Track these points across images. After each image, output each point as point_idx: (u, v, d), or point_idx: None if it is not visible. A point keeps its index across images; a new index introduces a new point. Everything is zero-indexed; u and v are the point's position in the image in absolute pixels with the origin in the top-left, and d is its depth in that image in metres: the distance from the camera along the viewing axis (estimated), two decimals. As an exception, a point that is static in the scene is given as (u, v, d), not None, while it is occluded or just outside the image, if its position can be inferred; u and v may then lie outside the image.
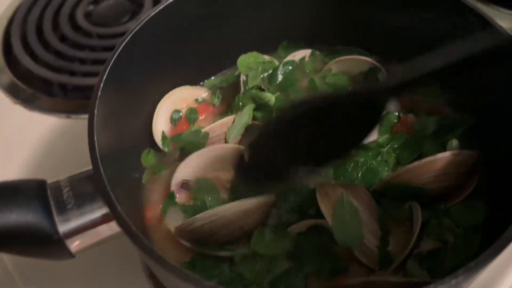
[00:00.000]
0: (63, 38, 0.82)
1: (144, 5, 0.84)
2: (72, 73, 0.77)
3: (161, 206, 0.56)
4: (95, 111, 0.47)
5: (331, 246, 0.49)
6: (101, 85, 0.50)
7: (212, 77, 0.68)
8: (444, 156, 0.49)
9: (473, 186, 0.52)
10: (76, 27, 0.83)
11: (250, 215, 0.48)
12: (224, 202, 0.54)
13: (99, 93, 0.49)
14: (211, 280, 0.48)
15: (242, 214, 0.48)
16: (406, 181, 0.50)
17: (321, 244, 0.49)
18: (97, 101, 0.48)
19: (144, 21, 0.55)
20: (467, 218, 0.51)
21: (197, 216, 0.48)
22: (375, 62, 0.63)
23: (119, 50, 0.53)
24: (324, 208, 0.48)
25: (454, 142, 0.54)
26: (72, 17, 0.85)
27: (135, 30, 0.54)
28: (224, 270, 0.49)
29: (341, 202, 0.48)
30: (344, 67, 0.65)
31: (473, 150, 0.51)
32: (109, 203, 0.41)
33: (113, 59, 0.52)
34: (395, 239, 0.50)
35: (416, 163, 0.50)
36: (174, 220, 0.55)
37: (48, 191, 0.42)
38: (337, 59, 0.65)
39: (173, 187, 0.56)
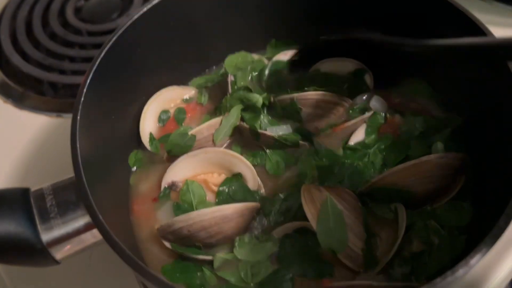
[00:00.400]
0: (52, 36, 0.82)
1: (134, 1, 0.83)
2: (62, 71, 0.77)
3: (150, 201, 0.56)
4: (78, 117, 0.47)
5: (316, 249, 0.49)
6: (86, 85, 0.50)
7: (198, 77, 0.68)
8: (429, 159, 0.49)
9: (459, 187, 0.52)
10: (65, 24, 0.83)
11: (229, 221, 0.49)
12: (210, 204, 0.55)
13: (83, 96, 0.49)
14: (193, 282, 0.48)
15: (220, 219, 0.48)
16: (392, 183, 0.50)
17: (306, 247, 0.50)
18: (80, 106, 0.48)
19: (131, 20, 0.55)
20: (453, 219, 0.51)
21: (176, 218, 0.49)
22: (362, 64, 0.63)
23: (105, 49, 0.53)
24: (309, 211, 0.48)
25: (439, 145, 0.54)
26: (61, 14, 0.84)
27: (122, 30, 0.54)
28: (206, 273, 0.49)
29: (326, 206, 0.48)
30: (332, 67, 0.64)
31: (459, 153, 0.51)
32: (91, 212, 0.41)
33: (99, 59, 0.52)
34: (381, 242, 0.50)
35: (401, 166, 0.49)
36: (165, 217, 0.55)
37: (32, 199, 0.43)
38: (325, 59, 0.64)
39: (164, 185, 0.56)
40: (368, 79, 0.62)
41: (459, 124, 0.56)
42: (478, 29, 0.49)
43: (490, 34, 0.48)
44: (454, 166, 0.50)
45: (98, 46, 0.79)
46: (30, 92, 0.75)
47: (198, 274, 0.49)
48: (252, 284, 0.48)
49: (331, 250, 0.46)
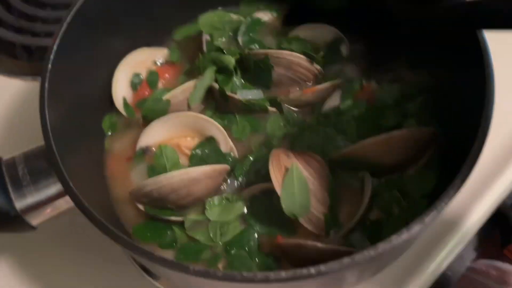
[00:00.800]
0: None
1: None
2: (35, 34, 0.76)
3: (124, 162, 0.58)
4: (46, 84, 0.48)
5: (281, 209, 0.51)
6: (53, 52, 0.50)
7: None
8: (400, 133, 0.50)
9: (427, 157, 0.53)
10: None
11: (197, 183, 0.51)
12: (184, 167, 0.57)
13: (50, 63, 0.49)
14: (163, 241, 0.51)
15: (188, 181, 0.50)
16: (362, 155, 0.52)
17: (272, 207, 0.52)
18: (47, 73, 0.49)
19: None
20: (419, 187, 0.53)
21: (145, 181, 0.51)
22: (339, 33, 0.63)
23: (73, 11, 0.52)
24: (275, 177, 0.50)
25: (411, 121, 0.55)
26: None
27: None
28: (177, 232, 0.52)
29: (291, 173, 0.50)
30: (310, 34, 0.64)
31: (428, 127, 0.53)
32: (62, 180, 0.43)
33: (67, 21, 0.52)
34: (347, 209, 0.52)
35: (372, 139, 0.50)
36: (139, 179, 0.57)
37: (3, 168, 0.44)
38: (306, 24, 0.64)
39: (138, 149, 0.58)
40: (344, 49, 0.62)
41: (431, 93, 0.57)
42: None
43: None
44: (423, 139, 0.52)
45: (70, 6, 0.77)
46: (3, 56, 0.75)
47: (169, 233, 0.52)
48: (220, 243, 0.51)
49: (293, 214, 0.49)
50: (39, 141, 0.47)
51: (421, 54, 0.57)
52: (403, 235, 0.38)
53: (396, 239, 0.38)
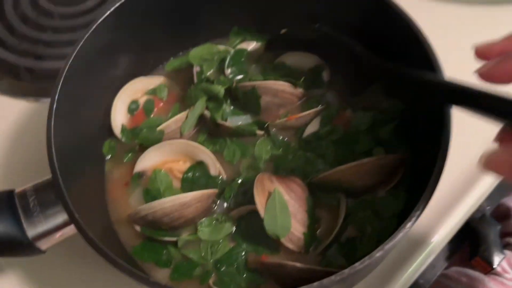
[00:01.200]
0: (25, 19, 0.84)
1: (102, -18, 0.85)
2: (38, 57, 0.80)
3: (123, 186, 0.63)
4: (52, 123, 0.53)
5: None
6: (58, 89, 0.54)
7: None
8: (370, 161, 0.56)
9: (397, 179, 0.58)
10: (37, 7, 0.85)
11: (188, 207, 0.56)
12: (177, 190, 0.62)
13: (55, 102, 0.54)
14: (160, 259, 0.57)
15: (179, 206, 0.55)
16: (337, 179, 0.57)
17: (258, 227, 0.57)
18: (53, 112, 0.53)
19: (107, 14, 0.59)
20: (390, 207, 0.58)
21: (141, 207, 0.56)
22: (321, 60, 0.68)
23: (79, 45, 0.57)
24: (259, 201, 0.55)
25: (380, 150, 0.60)
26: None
27: (97, 24, 0.58)
28: (172, 252, 0.57)
29: (273, 198, 0.55)
30: (295, 60, 0.69)
31: (395, 154, 0.58)
32: (68, 211, 0.48)
33: (71, 59, 0.56)
34: (324, 227, 0.58)
35: (345, 166, 0.56)
36: (136, 202, 0.62)
37: (16, 200, 0.50)
38: (289, 52, 0.69)
39: (134, 173, 0.63)
40: (326, 75, 0.68)
41: (402, 120, 0.62)
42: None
43: (439, 70, 0.52)
44: (391, 165, 0.57)
45: (71, 29, 0.82)
46: (7, 78, 0.79)
47: (164, 252, 0.57)
48: (211, 260, 0.57)
49: (275, 235, 0.54)
50: (42, 159, 0.51)
51: (393, 86, 0.62)
52: (366, 262, 0.44)
53: (355, 267, 0.43)
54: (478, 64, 0.42)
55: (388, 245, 0.44)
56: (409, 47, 0.56)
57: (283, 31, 0.69)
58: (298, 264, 0.51)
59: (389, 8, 0.58)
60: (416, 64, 0.52)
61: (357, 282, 0.58)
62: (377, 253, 0.44)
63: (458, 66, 0.54)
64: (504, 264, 0.75)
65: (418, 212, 0.47)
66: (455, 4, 0.83)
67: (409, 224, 0.46)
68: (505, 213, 0.82)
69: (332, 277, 0.43)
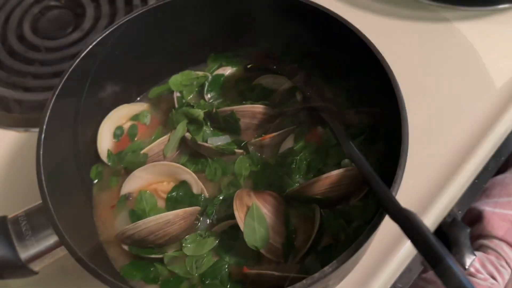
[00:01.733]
0: (13, 53, 0.88)
1: (86, 15, 0.90)
2: (27, 89, 0.84)
3: (109, 208, 0.67)
4: (41, 152, 0.56)
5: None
6: (45, 122, 0.58)
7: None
8: (338, 172, 0.60)
9: (367, 189, 0.62)
10: (24, 41, 0.89)
11: (172, 224, 0.59)
12: (161, 209, 0.66)
13: (43, 131, 0.58)
14: (148, 276, 0.60)
15: (163, 224, 0.59)
16: (310, 191, 0.61)
17: (239, 240, 0.60)
18: (41, 148, 0.57)
19: (89, 48, 0.63)
20: (361, 215, 0.61)
21: (127, 227, 0.59)
22: (294, 83, 0.73)
23: (65, 77, 0.61)
24: (238, 215, 0.59)
25: (347, 162, 0.65)
26: (20, 30, 0.90)
27: (81, 56, 0.62)
28: (159, 268, 0.61)
29: (252, 211, 0.59)
30: (271, 81, 0.74)
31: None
32: (58, 234, 0.52)
33: (57, 90, 0.60)
34: (301, 237, 0.61)
35: (315, 179, 0.60)
36: (123, 223, 0.66)
37: (9, 226, 0.53)
38: (264, 75, 0.74)
39: (121, 195, 0.67)
40: (298, 96, 0.73)
41: (369, 133, 0.67)
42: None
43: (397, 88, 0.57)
44: (359, 176, 0.61)
45: (58, 61, 0.87)
46: (-4, 109, 0.83)
47: (152, 269, 0.61)
48: (196, 275, 0.61)
49: (254, 246, 0.58)
50: (32, 185, 0.54)
51: (361, 101, 0.68)
52: (334, 266, 0.48)
53: (325, 271, 0.47)
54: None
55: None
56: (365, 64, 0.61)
57: (249, 66, 0.76)
58: (276, 273, 0.55)
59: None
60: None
61: (334, 286, 0.61)
62: (347, 258, 0.48)
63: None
64: (477, 265, 0.79)
65: (380, 220, 0.51)
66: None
67: (373, 232, 0.50)
68: (477, 217, 0.86)
69: (304, 281, 0.46)
